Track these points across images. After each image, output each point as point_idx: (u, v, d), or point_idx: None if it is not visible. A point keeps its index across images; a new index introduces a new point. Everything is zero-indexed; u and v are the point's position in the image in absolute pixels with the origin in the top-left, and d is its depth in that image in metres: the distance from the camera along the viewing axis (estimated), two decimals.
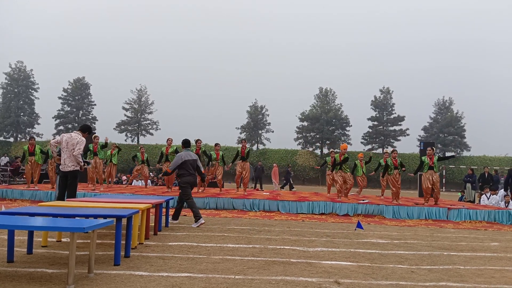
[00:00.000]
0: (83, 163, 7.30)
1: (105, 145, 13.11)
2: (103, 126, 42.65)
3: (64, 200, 7.11)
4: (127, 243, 4.93)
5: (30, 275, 3.98)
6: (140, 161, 14.62)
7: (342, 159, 12.10)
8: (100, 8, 76.95)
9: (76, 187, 7.44)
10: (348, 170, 12.85)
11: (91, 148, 12.91)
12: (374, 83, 53.08)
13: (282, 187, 22.01)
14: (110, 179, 14.66)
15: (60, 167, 7.30)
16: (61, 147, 7.29)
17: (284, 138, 41.84)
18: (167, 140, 13.54)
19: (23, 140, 40.35)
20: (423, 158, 11.55)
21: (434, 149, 11.80)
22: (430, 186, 11.24)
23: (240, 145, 13.90)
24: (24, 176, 18.21)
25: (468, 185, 17.15)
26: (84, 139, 7.33)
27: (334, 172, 12.58)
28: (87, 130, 7.47)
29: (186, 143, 8.13)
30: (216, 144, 13.56)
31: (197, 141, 13.18)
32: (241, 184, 13.23)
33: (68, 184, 7.32)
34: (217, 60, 73.65)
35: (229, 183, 29.56)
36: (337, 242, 6.54)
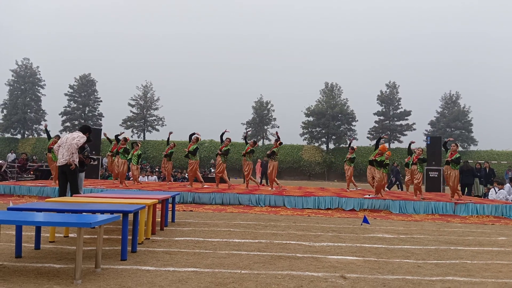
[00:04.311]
0: (77, 157, 7.36)
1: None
2: (109, 122, 42.81)
3: (65, 196, 7.17)
4: (134, 238, 4.96)
5: (37, 270, 4.02)
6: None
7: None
8: (105, 4, 77.17)
9: (77, 182, 7.47)
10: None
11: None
12: (380, 77, 52.79)
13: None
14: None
15: (57, 163, 7.38)
16: (61, 144, 7.35)
17: (289, 134, 41.64)
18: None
19: (30, 136, 40.63)
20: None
21: (458, 145, 11.70)
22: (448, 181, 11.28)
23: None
24: (32, 173, 18.41)
25: (476, 179, 17.01)
26: (85, 136, 7.51)
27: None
28: (87, 130, 7.75)
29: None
30: (227, 139, 13.19)
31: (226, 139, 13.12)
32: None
33: (69, 181, 7.38)
34: (223, 55, 73.61)
35: (235, 178, 29.63)
36: (343, 237, 6.53)
